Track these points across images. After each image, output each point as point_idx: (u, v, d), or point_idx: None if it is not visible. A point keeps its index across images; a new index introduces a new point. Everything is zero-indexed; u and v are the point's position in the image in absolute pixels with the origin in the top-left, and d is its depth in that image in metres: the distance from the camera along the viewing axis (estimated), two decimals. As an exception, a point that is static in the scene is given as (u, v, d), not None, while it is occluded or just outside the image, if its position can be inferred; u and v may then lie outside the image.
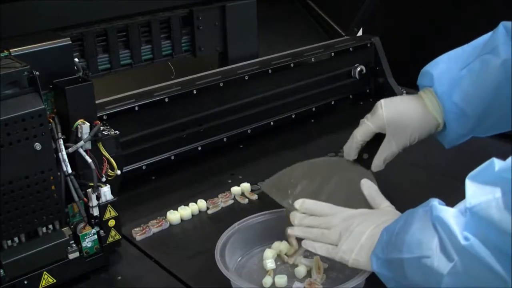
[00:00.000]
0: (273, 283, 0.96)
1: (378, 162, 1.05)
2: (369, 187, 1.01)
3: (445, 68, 1.01)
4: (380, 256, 0.84)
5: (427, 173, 1.27)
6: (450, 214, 0.76)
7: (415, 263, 0.78)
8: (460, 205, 0.76)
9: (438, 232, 0.75)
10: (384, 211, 0.96)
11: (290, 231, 0.98)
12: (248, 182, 1.26)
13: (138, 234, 1.10)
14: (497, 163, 0.72)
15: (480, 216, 0.71)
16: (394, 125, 1.01)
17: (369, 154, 1.07)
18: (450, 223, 0.74)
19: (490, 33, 1.01)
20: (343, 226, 0.91)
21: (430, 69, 1.03)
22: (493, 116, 1.00)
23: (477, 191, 0.72)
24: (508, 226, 0.67)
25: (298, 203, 0.99)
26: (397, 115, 1.01)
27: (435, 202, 0.80)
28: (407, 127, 1.01)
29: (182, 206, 1.18)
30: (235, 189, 1.24)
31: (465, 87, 1.00)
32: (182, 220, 1.16)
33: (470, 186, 0.73)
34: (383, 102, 1.03)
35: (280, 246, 1.02)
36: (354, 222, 0.91)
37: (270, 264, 0.99)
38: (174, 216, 1.15)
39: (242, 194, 1.24)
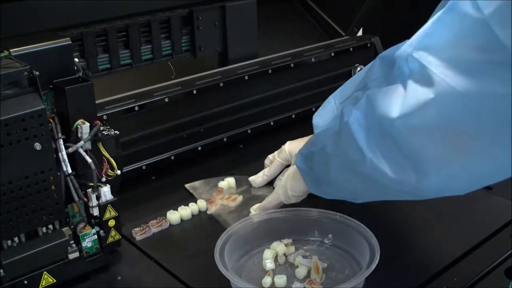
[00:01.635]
0: (273, 283, 0.96)
1: (281, 181, 1.18)
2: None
3: (325, 113, 1.12)
4: (303, 152, 1.00)
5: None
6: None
7: (318, 152, 0.94)
8: None
9: (339, 118, 0.86)
10: None
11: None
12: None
13: (138, 234, 1.10)
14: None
15: (369, 99, 0.82)
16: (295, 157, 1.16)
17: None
18: (347, 105, 0.86)
19: (369, 65, 1.07)
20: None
21: (313, 117, 1.13)
22: None
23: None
24: (385, 108, 0.77)
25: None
26: (297, 149, 1.14)
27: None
28: None
29: (182, 206, 1.18)
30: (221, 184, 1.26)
31: None
32: (182, 220, 1.16)
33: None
34: (287, 142, 1.22)
35: (279, 246, 1.02)
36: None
37: (269, 264, 0.99)
38: (174, 216, 1.15)
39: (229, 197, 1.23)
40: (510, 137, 0.68)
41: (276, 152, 1.24)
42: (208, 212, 1.18)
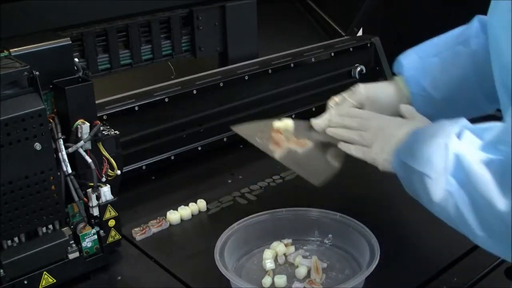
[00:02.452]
0: (273, 283, 0.96)
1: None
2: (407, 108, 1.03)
3: (416, 56, 1.10)
4: (401, 158, 0.88)
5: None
6: (464, 147, 0.79)
7: (420, 177, 0.83)
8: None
9: (447, 157, 0.79)
10: (420, 119, 0.98)
11: (328, 130, 1.04)
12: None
13: (138, 234, 1.10)
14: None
15: (468, 172, 0.76)
16: (371, 100, 1.08)
17: None
18: (462, 153, 0.78)
19: (464, 26, 1.08)
20: (378, 128, 0.96)
21: (401, 57, 1.11)
22: (460, 102, 1.07)
23: (475, 149, 0.77)
24: (490, 193, 0.72)
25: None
26: (374, 93, 1.09)
27: (462, 123, 0.82)
28: (382, 103, 1.08)
29: (182, 206, 1.18)
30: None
31: (434, 74, 1.07)
32: (182, 220, 1.16)
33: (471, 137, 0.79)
34: (360, 84, 1.10)
35: (279, 246, 1.02)
36: (389, 125, 0.95)
37: (269, 264, 0.99)
38: (174, 216, 1.15)
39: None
40: None
41: (345, 93, 1.10)
42: (276, 156, 1.04)
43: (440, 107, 1.08)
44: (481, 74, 1.04)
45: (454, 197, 0.78)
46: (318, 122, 1.07)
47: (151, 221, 1.14)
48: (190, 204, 1.19)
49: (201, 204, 1.19)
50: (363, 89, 1.08)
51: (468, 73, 1.06)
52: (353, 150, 0.98)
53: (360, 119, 0.99)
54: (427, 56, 1.10)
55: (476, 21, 1.07)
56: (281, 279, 0.96)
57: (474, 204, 0.76)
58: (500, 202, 0.72)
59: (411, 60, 1.10)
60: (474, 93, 1.06)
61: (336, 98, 1.10)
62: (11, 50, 0.92)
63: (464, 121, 0.83)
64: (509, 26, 0.76)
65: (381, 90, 1.10)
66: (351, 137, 0.99)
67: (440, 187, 0.79)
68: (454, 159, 0.78)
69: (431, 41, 1.12)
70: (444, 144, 0.80)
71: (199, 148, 1.39)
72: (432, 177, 0.80)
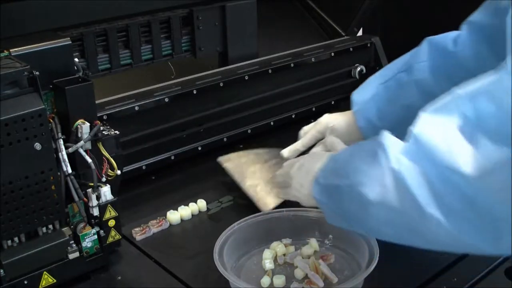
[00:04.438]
0: (272, 283, 0.96)
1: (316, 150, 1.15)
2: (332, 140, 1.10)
3: (369, 86, 1.15)
4: (321, 182, 0.88)
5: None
6: (391, 139, 0.77)
7: (350, 190, 0.80)
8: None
9: (378, 158, 0.76)
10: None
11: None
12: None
13: (138, 234, 1.10)
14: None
15: (422, 143, 0.71)
16: (331, 129, 1.17)
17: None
18: (387, 146, 0.75)
19: (415, 49, 1.07)
20: (297, 168, 1.00)
21: (354, 92, 1.17)
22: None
23: (430, 119, 0.72)
24: (451, 159, 0.67)
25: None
26: (333, 123, 1.17)
27: (386, 133, 0.79)
28: (340, 132, 1.17)
29: (182, 206, 1.18)
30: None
31: (379, 104, 1.13)
32: (182, 220, 1.16)
33: (425, 115, 0.73)
34: (325, 115, 1.20)
35: (279, 246, 1.02)
36: (308, 161, 0.99)
37: (268, 264, 0.99)
38: (174, 216, 1.15)
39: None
40: None
41: (312, 124, 1.21)
42: None
43: None
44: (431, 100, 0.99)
45: (402, 175, 0.71)
46: (283, 151, 1.21)
47: (151, 221, 1.14)
48: (190, 204, 1.19)
49: (201, 204, 1.19)
50: (324, 119, 1.18)
51: (414, 102, 1.07)
52: (281, 194, 1.06)
53: (285, 167, 1.06)
54: (375, 86, 1.14)
55: (424, 44, 1.06)
56: (279, 279, 0.96)
57: (425, 170, 0.70)
58: (466, 167, 0.66)
59: (363, 92, 1.15)
60: None
61: (305, 128, 1.22)
62: (11, 50, 0.92)
63: (384, 135, 0.79)
64: None
65: (339, 120, 1.18)
66: (279, 183, 1.07)
67: (375, 184, 0.75)
68: (392, 146, 0.75)
69: (384, 68, 1.15)
70: (371, 152, 0.78)
71: (199, 148, 1.39)
72: (365, 182, 0.77)
